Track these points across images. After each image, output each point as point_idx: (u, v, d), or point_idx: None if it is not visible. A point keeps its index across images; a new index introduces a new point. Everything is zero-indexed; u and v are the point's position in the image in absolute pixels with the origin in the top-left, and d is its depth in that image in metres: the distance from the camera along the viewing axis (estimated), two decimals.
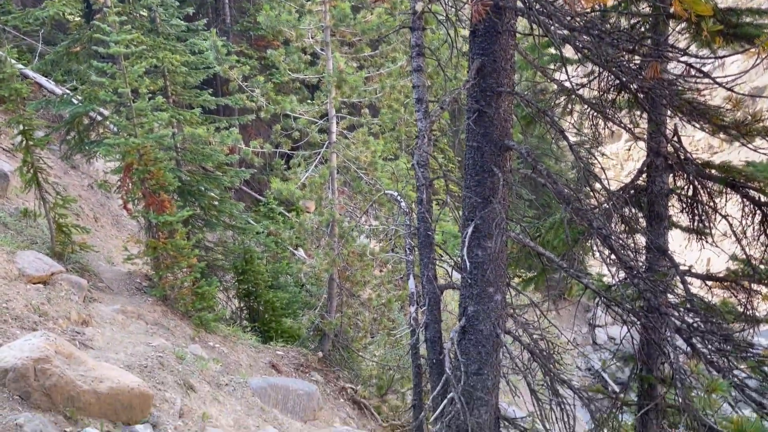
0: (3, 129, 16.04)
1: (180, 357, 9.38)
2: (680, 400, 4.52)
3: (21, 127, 11.10)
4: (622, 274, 4.52)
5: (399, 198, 6.62)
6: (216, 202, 14.62)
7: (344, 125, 14.67)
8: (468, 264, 4.21)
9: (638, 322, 4.74)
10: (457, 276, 5.52)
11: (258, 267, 15.03)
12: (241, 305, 15.97)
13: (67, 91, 15.45)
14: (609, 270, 4.56)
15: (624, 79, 4.82)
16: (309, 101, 15.54)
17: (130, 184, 12.23)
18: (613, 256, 4.50)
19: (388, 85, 14.51)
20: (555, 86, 5.80)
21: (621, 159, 34.76)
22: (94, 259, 13.61)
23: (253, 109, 14.74)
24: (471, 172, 4.43)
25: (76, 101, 13.99)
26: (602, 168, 5.19)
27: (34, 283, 9.07)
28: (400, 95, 16.99)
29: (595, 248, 5.09)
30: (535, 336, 5.14)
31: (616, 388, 18.62)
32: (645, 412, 5.45)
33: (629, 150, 34.44)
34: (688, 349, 4.48)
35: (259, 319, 15.56)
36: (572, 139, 5.09)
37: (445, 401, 4.37)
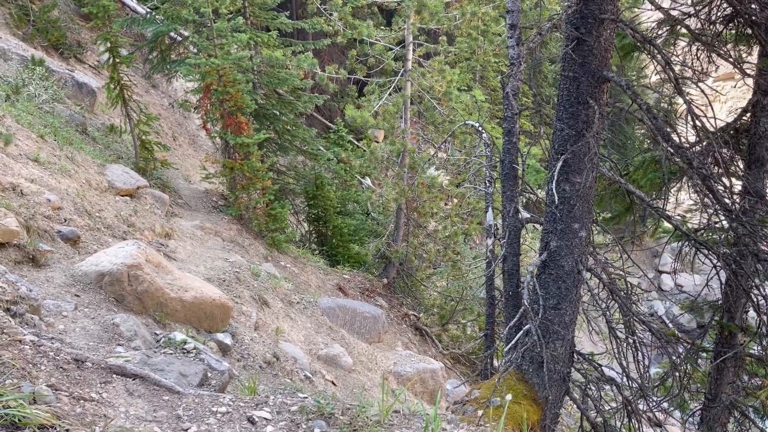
0: (90, 46, 16.56)
1: (255, 273, 9.80)
2: (764, 351, 4.40)
3: (108, 44, 11.42)
4: (716, 218, 4.33)
5: (481, 128, 6.49)
6: (290, 127, 14.80)
7: (420, 53, 14.36)
8: (556, 198, 4.14)
9: (729, 268, 4.58)
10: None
11: (328, 193, 15.29)
12: (311, 229, 16.40)
13: (150, 10, 15.69)
14: (706, 212, 4.38)
15: (739, 7, 4.47)
16: (385, 27, 15.25)
17: (209, 105, 12.51)
18: (707, 199, 4.31)
19: (469, 12, 13.99)
20: (653, 16, 5.44)
21: (709, 99, 32.68)
22: (173, 176, 14.18)
23: (329, 33, 14.59)
24: (565, 104, 4.28)
25: (159, 20, 14.21)
26: (694, 107, 4.90)
27: (121, 196, 9.56)
28: (480, 23, 16.39)
29: (688, 189, 4.90)
30: (613, 276, 5.07)
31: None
32: (722, 360, 5.36)
33: (721, 89, 32.35)
34: None
35: (327, 243, 15.97)
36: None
37: (520, 333, 4.41)
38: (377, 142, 18.63)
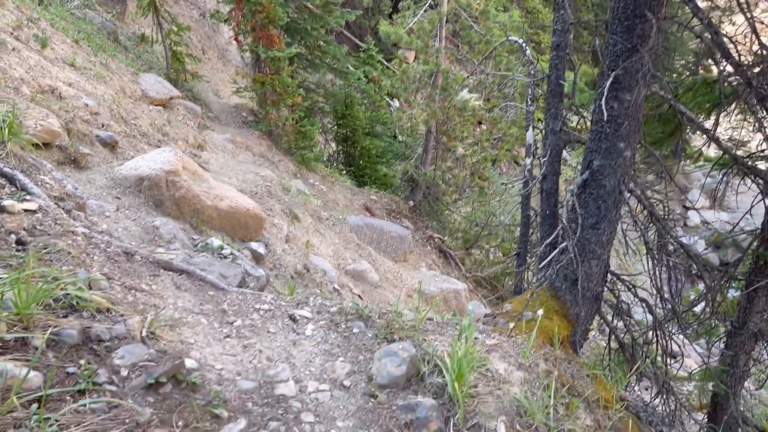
0: None
1: (286, 188, 9.89)
2: None
3: None
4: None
5: (524, 45, 6.27)
6: (320, 43, 14.51)
7: None
8: (605, 114, 4.03)
9: None
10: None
11: (357, 113, 15.16)
12: (339, 149, 16.37)
13: None
14: (762, 132, 4.24)
15: None
16: None
17: (241, 16, 12.26)
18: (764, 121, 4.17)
19: None
20: None
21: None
22: (203, 89, 14.12)
23: None
24: (620, 17, 4.10)
25: None
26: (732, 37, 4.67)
27: (155, 105, 9.58)
28: None
29: (739, 113, 4.75)
30: (652, 199, 5.02)
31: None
32: (754, 289, 5.35)
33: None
34: None
35: (355, 163, 15.98)
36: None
37: (555, 251, 4.43)
38: (407, 63, 18.22)
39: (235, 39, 13.49)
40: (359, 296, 8.84)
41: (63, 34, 9.08)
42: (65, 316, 2.79)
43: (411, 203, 15.04)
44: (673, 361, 5.51)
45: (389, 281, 10.24)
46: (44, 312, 2.70)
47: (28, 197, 3.66)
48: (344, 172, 15.60)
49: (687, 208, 29.95)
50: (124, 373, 2.68)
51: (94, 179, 5.95)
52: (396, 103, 21.22)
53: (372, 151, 15.64)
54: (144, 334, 2.97)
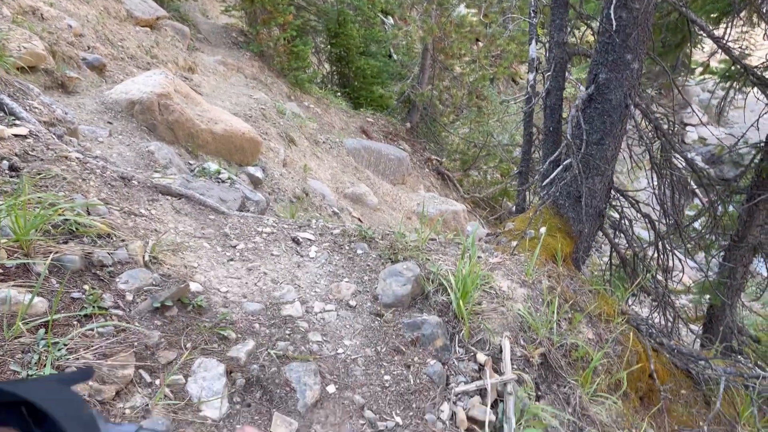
0: None
1: (280, 111, 9.68)
2: None
3: None
4: None
5: None
6: None
7: None
8: (613, 23, 3.86)
9: None
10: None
11: (350, 31, 14.64)
12: (333, 70, 15.94)
13: None
14: None
15: None
16: None
17: None
18: None
19: None
20: None
21: None
22: (190, 9, 13.56)
23: None
24: None
25: None
26: None
27: (141, 26, 9.20)
28: None
29: (748, 20, 4.56)
30: (657, 114, 4.91)
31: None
32: (755, 203, 5.33)
33: None
34: None
35: (350, 85, 15.60)
36: None
37: (559, 168, 4.36)
38: None
39: None
40: (359, 219, 8.84)
41: None
42: (65, 242, 2.75)
43: (408, 125, 14.82)
44: (671, 276, 5.57)
45: (388, 204, 10.21)
46: (43, 238, 2.66)
47: (17, 122, 3.54)
48: (339, 94, 15.26)
49: (686, 125, 29.65)
50: (129, 297, 2.66)
51: (83, 104, 5.78)
52: (391, 21, 20.52)
53: (367, 72, 15.23)
54: (147, 258, 2.94)
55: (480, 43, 15.32)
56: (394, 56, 17.51)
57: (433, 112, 15.11)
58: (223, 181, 5.49)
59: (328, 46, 15.31)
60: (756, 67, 4.62)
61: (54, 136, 3.61)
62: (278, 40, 12.32)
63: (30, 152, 3.27)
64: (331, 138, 10.82)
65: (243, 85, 10.53)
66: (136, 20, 9.20)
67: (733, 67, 4.52)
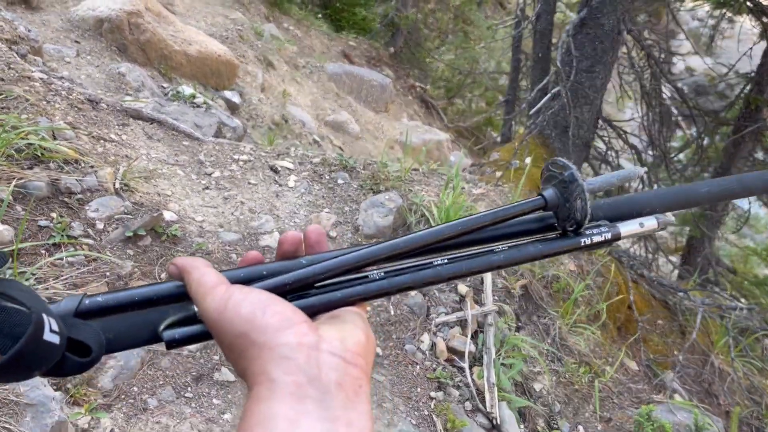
0: None
1: (258, 33, 9.28)
2: None
3: None
4: None
5: None
6: None
7: None
8: None
9: None
10: None
11: None
12: None
13: None
14: None
15: None
16: None
17: None
18: None
19: None
20: None
21: None
22: None
23: None
24: None
25: None
26: None
27: None
28: None
29: None
30: (650, 41, 4.76)
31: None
32: (741, 135, 5.28)
33: None
34: None
35: (331, 6, 14.97)
36: None
37: (547, 96, 4.23)
38: None
39: None
40: (340, 148, 8.67)
41: None
42: (30, 168, 2.61)
43: (392, 50, 14.37)
44: None
45: (370, 132, 10.02)
46: (6, 163, 2.51)
47: None
48: (320, 15, 14.64)
49: (673, 54, 29.27)
50: (99, 226, 2.56)
51: (48, 21, 5.45)
52: None
53: None
54: (117, 186, 2.81)
55: None
56: None
57: (417, 37, 14.65)
58: (198, 106, 5.28)
59: None
60: None
61: (16, 55, 3.38)
62: None
63: None
64: (312, 62, 10.47)
65: (219, 4, 10.04)
66: None
67: None
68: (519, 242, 0.66)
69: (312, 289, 0.59)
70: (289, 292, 0.57)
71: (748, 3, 4.20)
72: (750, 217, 6.32)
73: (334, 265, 0.59)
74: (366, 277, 0.61)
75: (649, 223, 0.68)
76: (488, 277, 3.37)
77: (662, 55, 4.57)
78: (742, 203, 6.32)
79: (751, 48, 4.37)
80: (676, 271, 5.96)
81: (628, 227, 0.67)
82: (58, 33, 5.31)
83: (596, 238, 0.66)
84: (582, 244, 0.66)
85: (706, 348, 4.17)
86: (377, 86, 11.00)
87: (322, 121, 9.12)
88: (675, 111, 4.44)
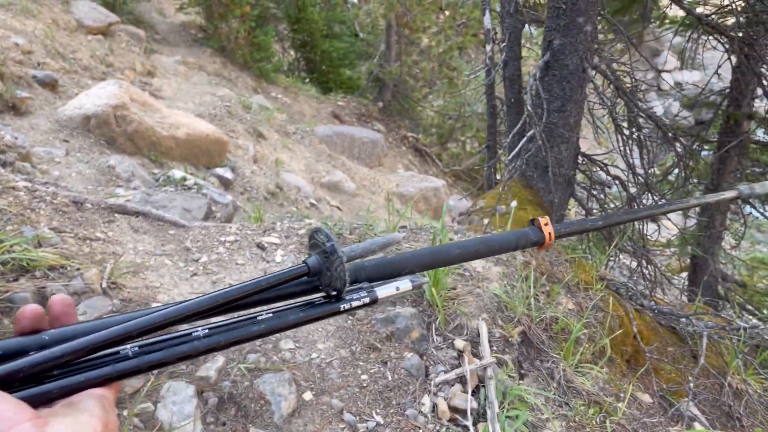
0: None
1: (246, 106, 9.52)
2: None
3: None
4: None
5: None
6: None
7: None
8: None
9: (740, 51, 4.31)
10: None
11: (312, 15, 14.39)
12: (298, 56, 15.71)
13: None
14: None
15: None
16: None
17: None
18: None
19: None
20: None
21: None
22: (145, 10, 13.27)
23: None
24: None
25: None
26: None
27: (93, 34, 8.97)
28: None
29: None
30: (618, 72, 4.84)
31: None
32: (726, 150, 5.31)
33: None
34: None
35: (317, 70, 15.39)
36: None
37: (523, 140, 4.29)
38: None
39: None
40: (338, 207, 8.76)
41: None
42: (16, 279, 2.66)
43: (380, 104, 14.67)
44: (653, 231, 5.56)
45: (366, 188, 10.13)
46: None
47: None
48: (307, 80, 15.05)
49: (659, 72, 29.56)
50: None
51: (37, 124, 5.63)
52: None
53: (333, 54, 15.01)
54: (104, 285, 2.86)
55: (447, 12, 15.12)
56: (361, 34, 17.27)
57: (404, 89, 14.97)
58: (189, 188, 5.39)
59: (291, 33, 15.07)
60: (709, 15, 4.55)
61: (0, 167, 3.50)
62: (238, 32, 12.09)
63: None
64: (302, 127, 10.68)
65: (206, 83, 10.35)
66: (87, 29, 8.96)
67: (688, 18, 4.46)
68: (281, 309, 0.70)
69: (53, 370, 0.54)
70: (23, 379, 0.52)
71: (704, 26, 4.29)
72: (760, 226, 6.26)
73: (78, 346, 0.55)
74: (117, 353, 0.58)
75: (404, 285, 0.74)
76: (483, 327, 3.35)
77: (634, 84, 4.65)
78: (754, 212, 6.25)
79: (718, 67, 4.44)
80: (685, 293, 5.90)
81: (384, 291, 0.73)
82: (47, 135, 5.48)
83: (355, 303, 0.72)
84: (341, 309, 0.71)
85: (720, 370, 4.09)
86: (368, 142, 11.18)
87: (317, 183, 9.25)
88: (653, 136, 4.48)
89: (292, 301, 0.72)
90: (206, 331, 0.64)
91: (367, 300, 0.73)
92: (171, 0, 14.70)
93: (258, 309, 0.70)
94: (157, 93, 8.51)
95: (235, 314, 0.69)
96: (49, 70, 6.78)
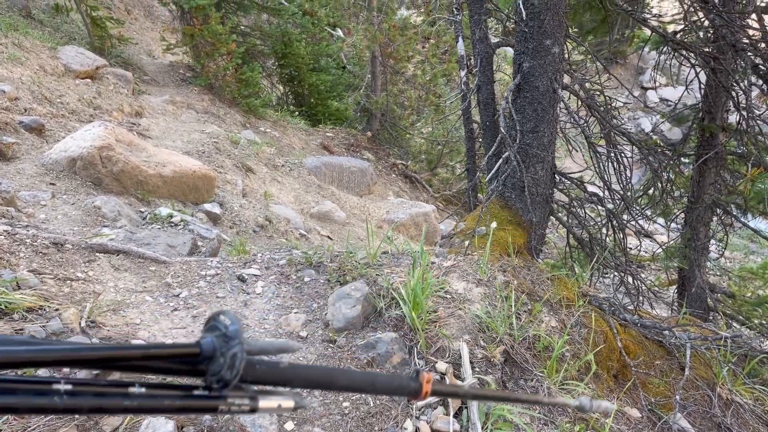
0: None
1: (234, 142, 9.62)
2: (745, 147, 4.37)
3: None
4: (695, 15, 4.09)
5: None
6: None
7: None
8: (524, 14, 3.87)
9: (708, 66, 4.41)
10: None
11: (298, 49, 14.61)
12: (286, 90, 15.91)
13: None
14: (682, 6, 4.12)
15: None
16: None
17: None
18: None
19: None
20: None
21: None
22: (134, 52, 13.48)
23: None
24: None
25: None
26: None
27: (81, 78, 9.11)
28: None
29: None
30: (591, 91, 4.94)
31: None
32: (704, 161, 5.38)
33: None
34: (764, 86, 4.20)
35: (305, 103, 15.57)
36: None
37: (500, 161, 4.36)
38: None
39: None
40: (328, 237, 8.80)
41: None
42: None
43: (369, 134, 14.81)
44: (635, 246, 5.60)
45: (357, 216, 10.18)
46: None
47: None
48: (296, 113, 15.21)
49: (645, 89, 29.96)
50: (65, 370, 2.60)
51: (23, 169, 5.70)
52: (339, 32, 20.53)
53: (320, 87, 15.20)
54: (83, 324, 2.88)
55: (432, 40, 15.37)
56: (347, 66, 17.50)
57: (391, 117, 15.13)
58: (175, 225, 5.43)
59: (278, 68, 15.27)
60: (676, 32, 4.66)
61: None
62: (225, 69, 12.26)
63: None
64: (290, 160, 10.77)
65: (195, 120, 10.47)
66: (75, 74, 9.10)
67: (652, 35, 4.56)
68: (158, 387, 0.64)
69: None
70: None
71: (670, 44, 4.40)
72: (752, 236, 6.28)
73: None
74: None
75: (287, 403, 0.71)
76: (465, 348, 3.37)
77: (606, 103, 4.74)
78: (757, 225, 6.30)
79: (687, 86, 4.54)
80: (674, 306, 5.91)
81: (267, 403, 0.69)
82: (33, 179, 5.54)
83: (234, 408, 0.67)
84: (219, 410, 0.66)
85: (708, 381, 4.09)
86: (357, 171, 11.27)
87: (307, 214, 9.29)
88: (629, 152, 4.55)
89: (170, 378, 0.68)
90: (70, 387, 0.57)
91: (247, 408, 0.68)
92: (159, 41, 14.94)
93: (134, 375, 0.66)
94: (145, 133, 8.61)
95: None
96: (35, 115, 6.88)
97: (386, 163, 14.17)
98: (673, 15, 6.05)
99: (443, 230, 10.48)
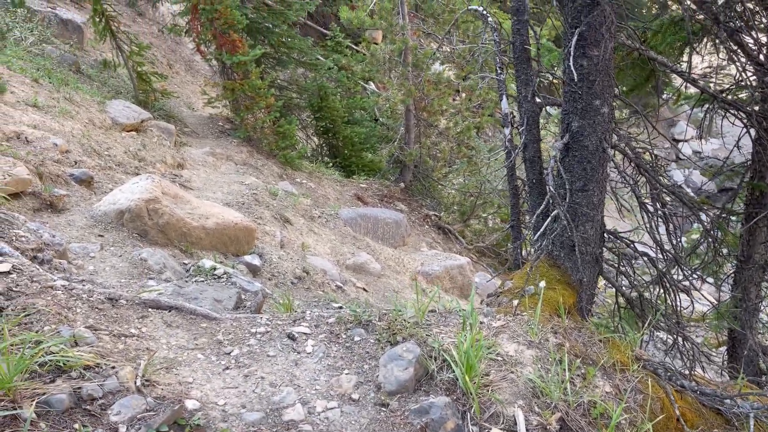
0: None
1: (273, 193, 9.76)
2: None
3: None
4: (744, 74, 4.08)
5: (486, 12, 6.10)
6: (285, 39, 14.26)
7: None
8: (575, 75, 3.91)
9: (759, 125, 4.37)
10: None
11: (333, 103, 14.93)
12: (321, 142, 16.19)
13: None
14: (736, 66, 4.12)
15: None
16: None
17: (200, 26, 12.03)
18: (735, 55, 4.04)
19: None
20: None
21: None
22: (175, 105, 13.91)
23: None
24: None
25: None
26: None
27: (127, 131, 9.41)
28: None
29: (706, 49, 4.63)
30: (638, 149, 4.91)
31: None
32: (755, 222, 5.27)
33: None
34: None
35: (340, 155, 15.80)
36: None
37: (548, 219, 4.32)
38: (376, 44, 17.93)
39: (198, 50, 13.25)
40: (364, 289, 8.77)
41: (21, 74, 8.88)
42: (52, 381, 2.70)
43: (402, 185, 14.92)
44: (686, 305, 5.45)
45: (391, 268, 10.16)
46: (29, 381, 2.61)
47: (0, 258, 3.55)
48: (330, 164, 15.43)
49: (677, 141, 29.80)
50: (122, 429, 2.59)
51: (73, 221, 5.83)
52: (372, 86, 20.96)
53: (355, 139, 15.45)
54: (138, 383, 2.88)
55: (463, 94, 15.59)
56: (381, 119, 17.79)
57: (424, 169, 15.25)
58: (219, 278, 5.46)
59: (314, 121, 15.59)
60: (723, 91, 4.65)
61: (38, 267, 3.61)
62: (264, 123, 12.55)
63: (14, 288, 3.26)
64: (327, 211, 10.87)
65: (234, 172, 10.67)
66: (121, 126, 9.41)
67: (703, 95, 4.56)
68: None
69: None
70: None
71: (719, 102, 4.38)
72: None
73: None
74: None
75: None
76: (520, 415, 3.27)
77: (653, 161, 4.71)
78: None
79: (738, 140, 4.49)
80: (726, 371, 5.70)
81: None
82: (82, 231, 5.66)
83: None
84: None
85: None
86: (392, 223, 11.30)
87: (343, 265, 9.30)
88: (677, 212, 4.49)
89: None
90: None
91: None
92: (198, 94, 15.43)
93: None
94: (186, 184, 8.79)
95: None
96: (85, 168, 7.08)
97: (419, 215, 14.20)
98: (703, 68, 6.05)
99: (477, 283, 10.35)
